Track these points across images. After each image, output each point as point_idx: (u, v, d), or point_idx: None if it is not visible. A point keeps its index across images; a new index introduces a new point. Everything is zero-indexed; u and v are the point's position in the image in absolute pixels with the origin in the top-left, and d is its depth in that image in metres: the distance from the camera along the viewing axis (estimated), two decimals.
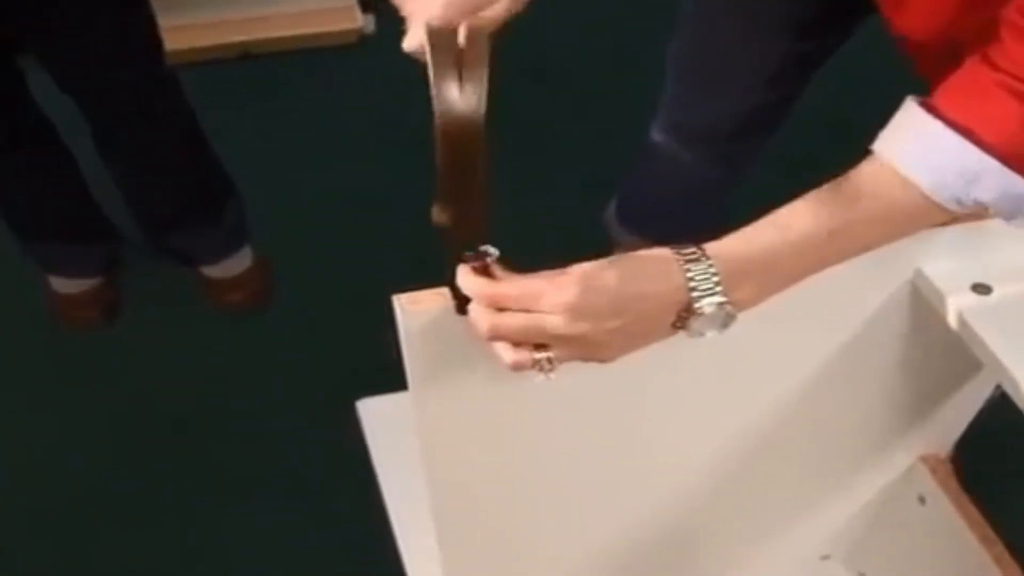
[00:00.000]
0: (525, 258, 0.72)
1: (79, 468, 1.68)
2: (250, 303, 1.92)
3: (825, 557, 1.21)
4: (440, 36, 0.66)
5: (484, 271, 0.70)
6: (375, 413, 1.20)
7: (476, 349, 0.74)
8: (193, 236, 1.85)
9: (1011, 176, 0.71)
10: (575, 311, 0.67)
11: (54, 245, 1.83)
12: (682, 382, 0.86)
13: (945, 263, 0.83)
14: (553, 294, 0.67)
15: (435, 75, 0.65)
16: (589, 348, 0.70)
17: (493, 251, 0.69)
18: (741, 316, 0.81)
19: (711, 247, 0.72)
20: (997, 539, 1.00)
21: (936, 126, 0.71)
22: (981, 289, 0.82)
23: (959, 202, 0.72)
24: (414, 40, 0.69)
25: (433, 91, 0.65)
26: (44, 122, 1.68)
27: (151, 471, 1.68)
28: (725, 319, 0.72)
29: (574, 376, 0.80)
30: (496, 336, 0.70)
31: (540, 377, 0.71)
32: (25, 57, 1.56)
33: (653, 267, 0.70)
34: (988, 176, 0.71)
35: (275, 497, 1.64)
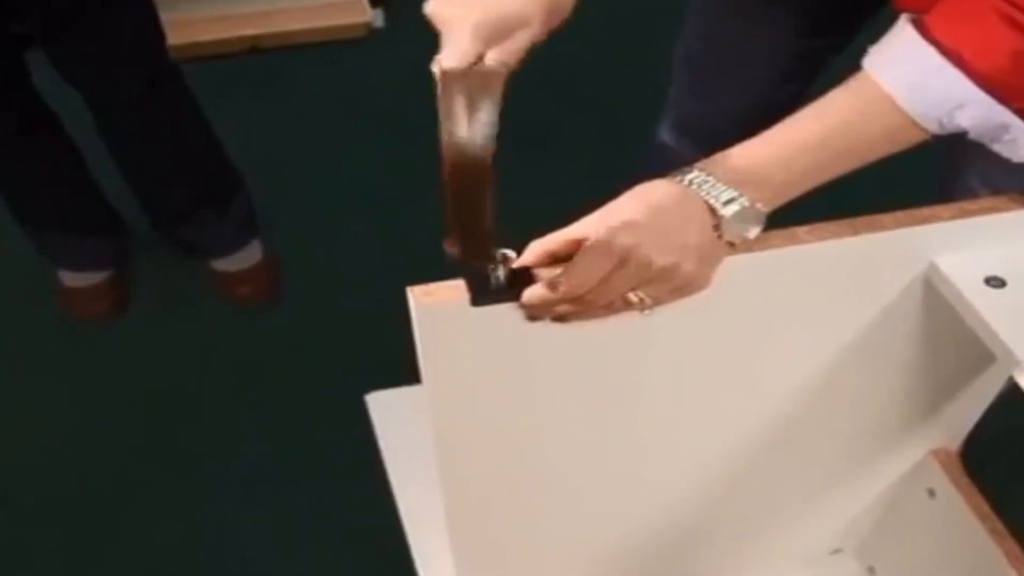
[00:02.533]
0: None
1: (88, 460, 1.69)
2: (259, 297, 1.93)
3: (836, 551, 1.21)
4: (453, 74, 0.66)
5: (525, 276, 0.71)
6: (384, 407, 1.21)
7: (490, 341, 0.74)
8: (202, 229, 1.85)
9: (995, 105, 0.71)
10: (632, 237, 0.69)
11: (61, 237, 1.83)
12: (695, 377, 0.86)
13: (959, 256, 0.83)
14: (611, 231, 0.69)
15: (444, 112, 0.64)
16: (673, 277, 0.72)
17: (511, 254, 0.71)
18: (753, 311, 0.81)
19: (709, 162, 0.74)
20: (1007, 533, 1.00)
21: (927, 49, 0.71)
22: (995, 282, 0.82)
23: (941, 125, 0.73)
24: (457, 52, 0.68)
25: (442, 128, 0.65)
26: (49, 114, 1.68)
27: (160, 463, 1.69)
28: (755, 216, 0.73)
29: (588, 368, 0.80)
30: (601, 305, 0.71)
31: (645, 314, 0.73)
32: (31, 52, 1.57)
33: (675, 204, 0.72)
34: (972, 103, 0.71)
35: (283, 490, 1.64)
